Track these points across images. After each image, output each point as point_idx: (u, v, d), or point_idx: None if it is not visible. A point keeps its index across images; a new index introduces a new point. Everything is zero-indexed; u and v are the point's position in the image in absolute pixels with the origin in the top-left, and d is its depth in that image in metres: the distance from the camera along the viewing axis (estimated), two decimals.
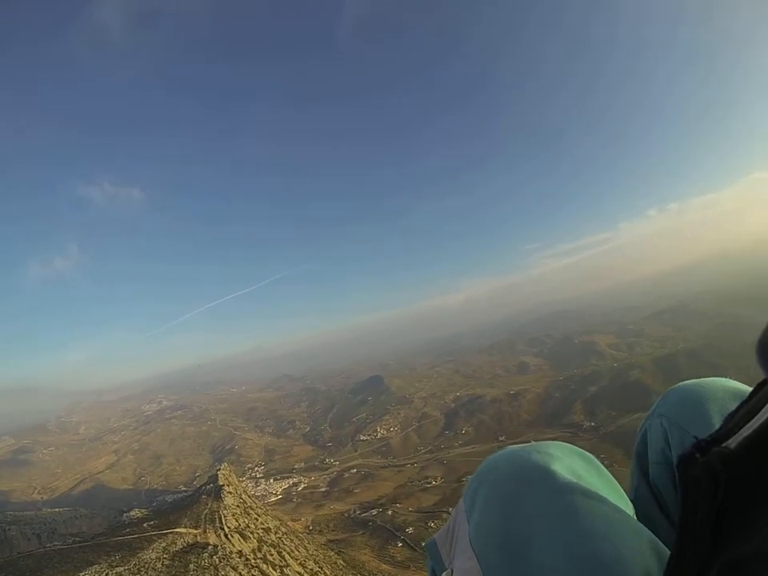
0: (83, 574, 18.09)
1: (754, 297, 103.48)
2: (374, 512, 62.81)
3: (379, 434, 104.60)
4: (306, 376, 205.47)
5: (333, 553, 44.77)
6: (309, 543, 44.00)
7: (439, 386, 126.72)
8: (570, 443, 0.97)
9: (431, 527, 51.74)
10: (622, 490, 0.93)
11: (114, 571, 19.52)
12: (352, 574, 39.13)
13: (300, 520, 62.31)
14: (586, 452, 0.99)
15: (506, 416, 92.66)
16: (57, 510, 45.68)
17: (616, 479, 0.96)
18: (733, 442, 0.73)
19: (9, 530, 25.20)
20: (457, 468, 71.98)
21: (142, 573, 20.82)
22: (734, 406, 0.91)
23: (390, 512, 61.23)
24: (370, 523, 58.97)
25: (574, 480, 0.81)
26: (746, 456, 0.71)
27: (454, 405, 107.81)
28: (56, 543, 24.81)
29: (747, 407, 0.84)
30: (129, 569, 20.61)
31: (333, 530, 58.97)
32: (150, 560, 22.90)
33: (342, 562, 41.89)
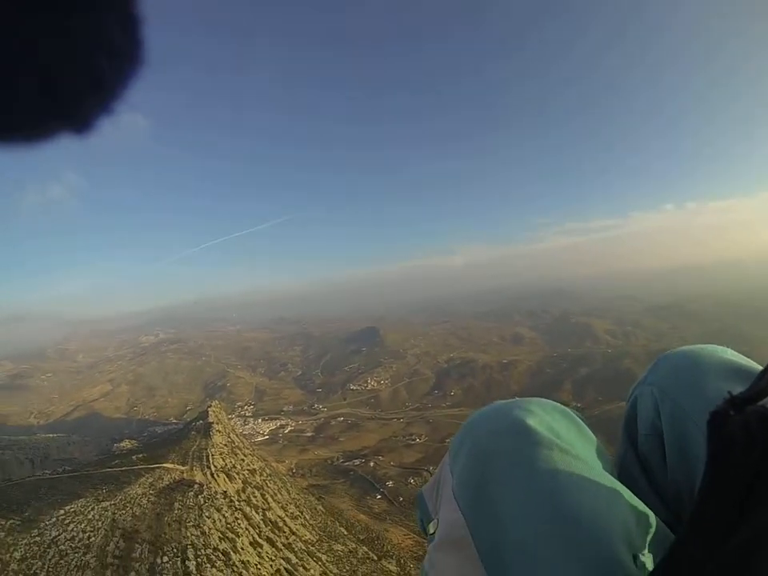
0: (69, 507, 18.32)
1: (756, 310, 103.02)
2: (357, 462, 64.18)
3: (369, 386, 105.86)
4: (302, 320, 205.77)
5: (313, 498, 46.06)
6: (291, 487, 45.16)
7: (433, 345, 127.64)
8: None
9: (411, 483, 53.09)
10: (603, 449, 0.93)
11: (100, 506, 19.78)
12: (330, 520, 40.37)
13: (284, 462, 64.01)
14: (570, 409, 0.99)
15: (495, 383, 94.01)
16: (51, 435, 46.72)
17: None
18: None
19: (3, 454, 25.82)
20: (441, 428, 73.31)
21: (128, 509, 21.13)
22: (730, 380, 0.90)
23: (372, 464, 62.62)
24: (352, 473, 60.43)
25: (550, 436, 0.82)
26: None
27: (446, 365, 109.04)
28: (46, 471, 25.36)
29: None
30: (114, 504, 20.89)
31: (315, 476, 60.60)
32: (135, 495, 23.27)
33: (321, 508, 43.17)
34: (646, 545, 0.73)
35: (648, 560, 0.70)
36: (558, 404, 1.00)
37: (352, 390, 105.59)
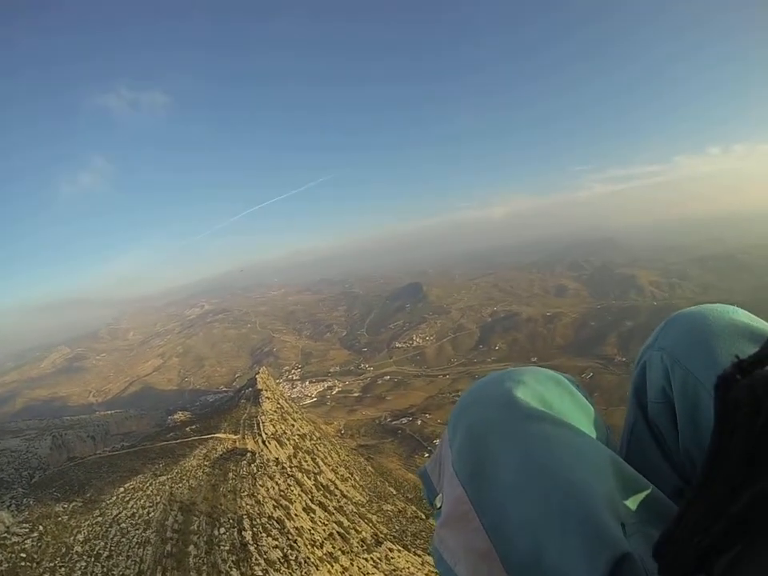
0: (129, 484, 19.25)
1: None
2: (404, 420, 64.74)
3: (415, 343, 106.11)
4: (344, 280, 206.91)
5: (362, 459, 47.16)
6: (340, 448, 46.29)
7: (477, 299, 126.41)
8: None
9: None
10: (598, 417, 0.93)
11: (158, 480, 20.70)
12: (379, 480, 41.35)
13: (333, 424, 65.48)
14: (565, 377, 0.98)
15: (540, 337, 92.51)
16: (109, 412, 49.29)
17: None
18: None
19: (65, 434, 27.50)
20: None
21: (184, 482, 22.08)
22: (741, 343, 0.88)
23: (419, 422, 63.06)
24: (400, 431, 61.09)
25: (541, 407, 0.83)
26: None
27: (490, 319, 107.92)
28: (106, 449, 26.83)
29: None
30: (171, 477, 21.84)
31: (363, 436, 61.87)
32: (191, 468, 24.29)
33: (370, 469, 44.26)
34: (635, 513, 0.73)
35: (637, 528, 0.70)
36: (555, 372, 0.98)
37: (397, 347, 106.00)
